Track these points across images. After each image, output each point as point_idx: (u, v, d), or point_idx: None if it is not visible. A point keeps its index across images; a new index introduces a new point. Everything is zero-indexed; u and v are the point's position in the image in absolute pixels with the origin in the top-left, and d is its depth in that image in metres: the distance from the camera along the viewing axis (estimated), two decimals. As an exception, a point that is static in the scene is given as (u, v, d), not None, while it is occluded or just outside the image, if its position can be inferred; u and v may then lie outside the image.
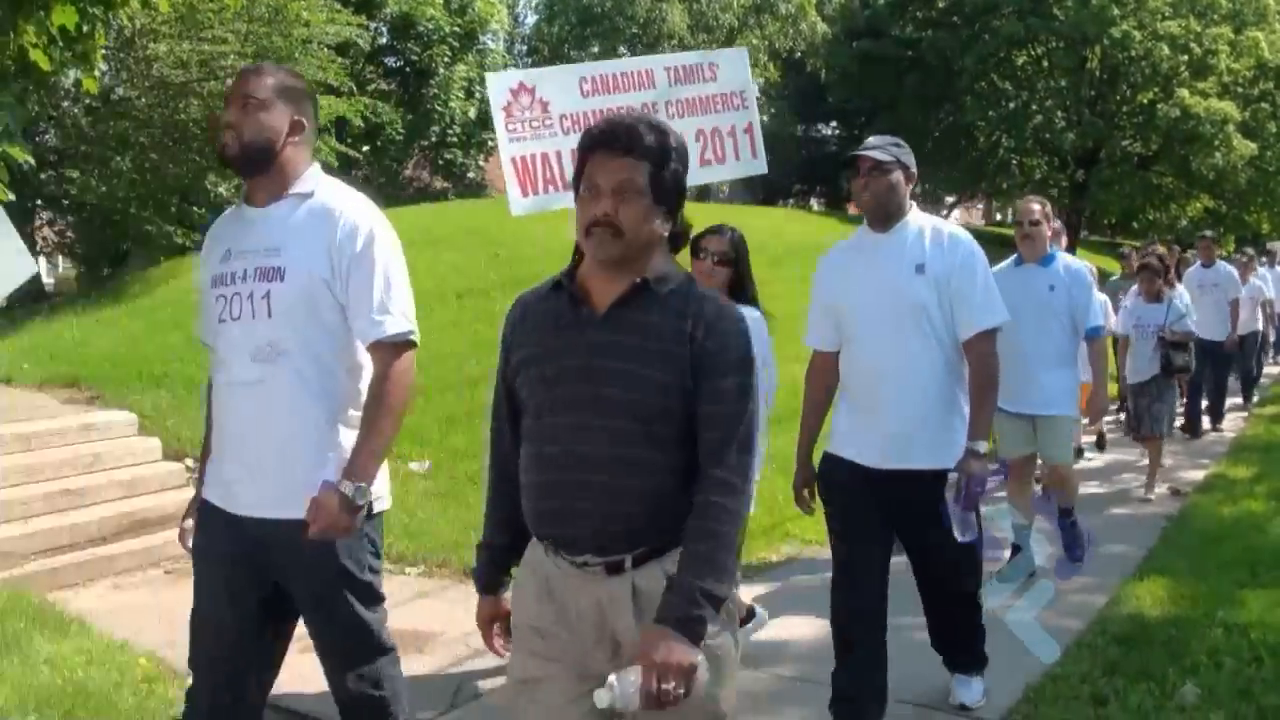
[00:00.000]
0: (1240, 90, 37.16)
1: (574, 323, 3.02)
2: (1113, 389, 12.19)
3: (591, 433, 2.94)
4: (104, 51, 10.21)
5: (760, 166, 7.24)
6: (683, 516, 2.90)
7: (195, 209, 20.63)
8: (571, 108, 6.57)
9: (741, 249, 5.96)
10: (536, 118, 6.50)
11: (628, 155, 2.92)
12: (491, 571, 3.32)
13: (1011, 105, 38.56)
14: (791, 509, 6.32)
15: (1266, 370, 19.58)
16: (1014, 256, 7.79)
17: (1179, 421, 13.01)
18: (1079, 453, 11.17)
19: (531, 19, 44.25)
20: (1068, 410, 7.68)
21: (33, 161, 7.95)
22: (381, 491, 3.91)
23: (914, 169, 5.02)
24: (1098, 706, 5.46)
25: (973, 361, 4.86)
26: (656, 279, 2.98)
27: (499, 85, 6.60)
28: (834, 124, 51.89)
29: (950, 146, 41.96)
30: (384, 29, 28.68)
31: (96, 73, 8.22)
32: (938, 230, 4.91)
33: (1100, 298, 9.79)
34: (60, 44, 6.73)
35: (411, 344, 3.80)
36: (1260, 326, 16.66)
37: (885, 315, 4.88)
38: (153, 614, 7.27)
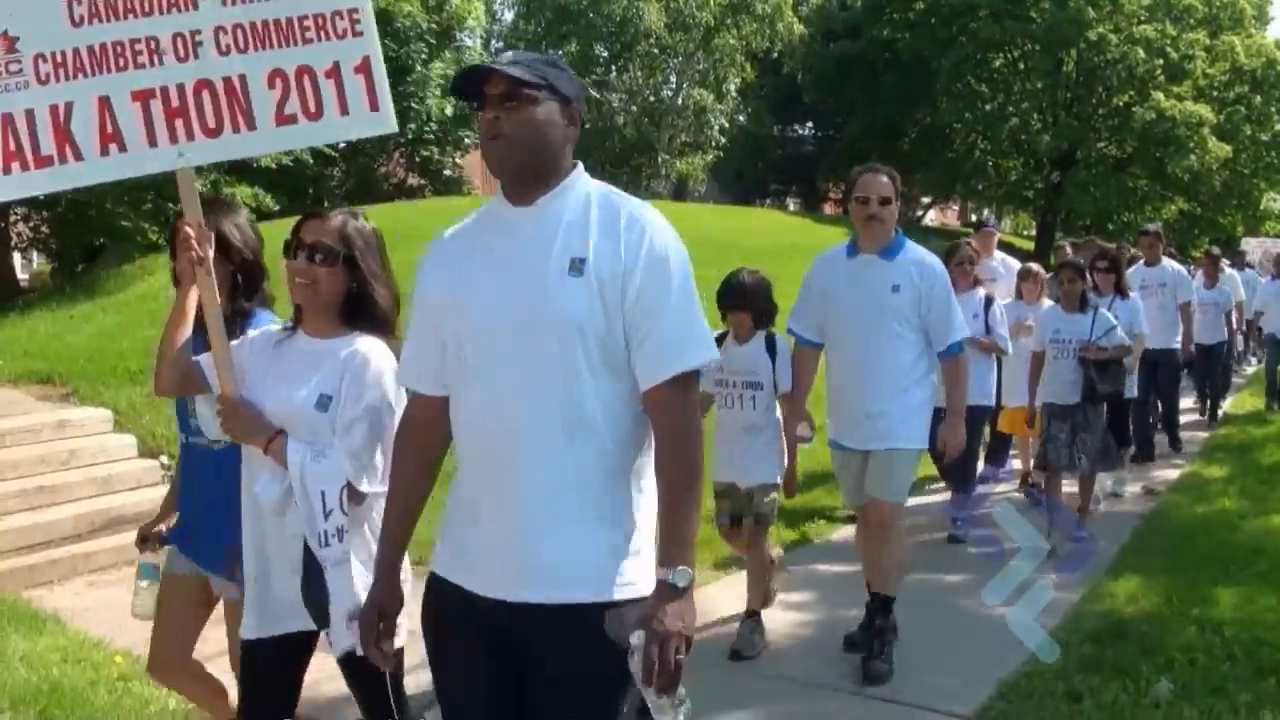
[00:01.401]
0: (1216, 94, 37.49)
1: None
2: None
3: None
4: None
5: (383, 123, 4.40)
6: None
7: (171, 204, 20.55)
8: (51, 45, 4.16)
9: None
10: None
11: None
12: None
13: (988, 107, 38.78)
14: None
15: (1236, 378, 19.15)
16: (845, 243, 6.35)
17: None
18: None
19: (509, 16, 44.20)
20: (911, 444, 6.06)
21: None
22: None
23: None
24: (1072, 703, 5.50)
25: (657, 424, 2.93)
26: None
27: None
28: (810, 124, 52.03)
29: (926, 148, 42.20)
30: (361, 25, 28.60)
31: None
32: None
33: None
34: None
35: None
36: (1226, 335, 15.45)
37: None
38: (128, 611, 7.23)
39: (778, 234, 25.25)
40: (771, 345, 6.38)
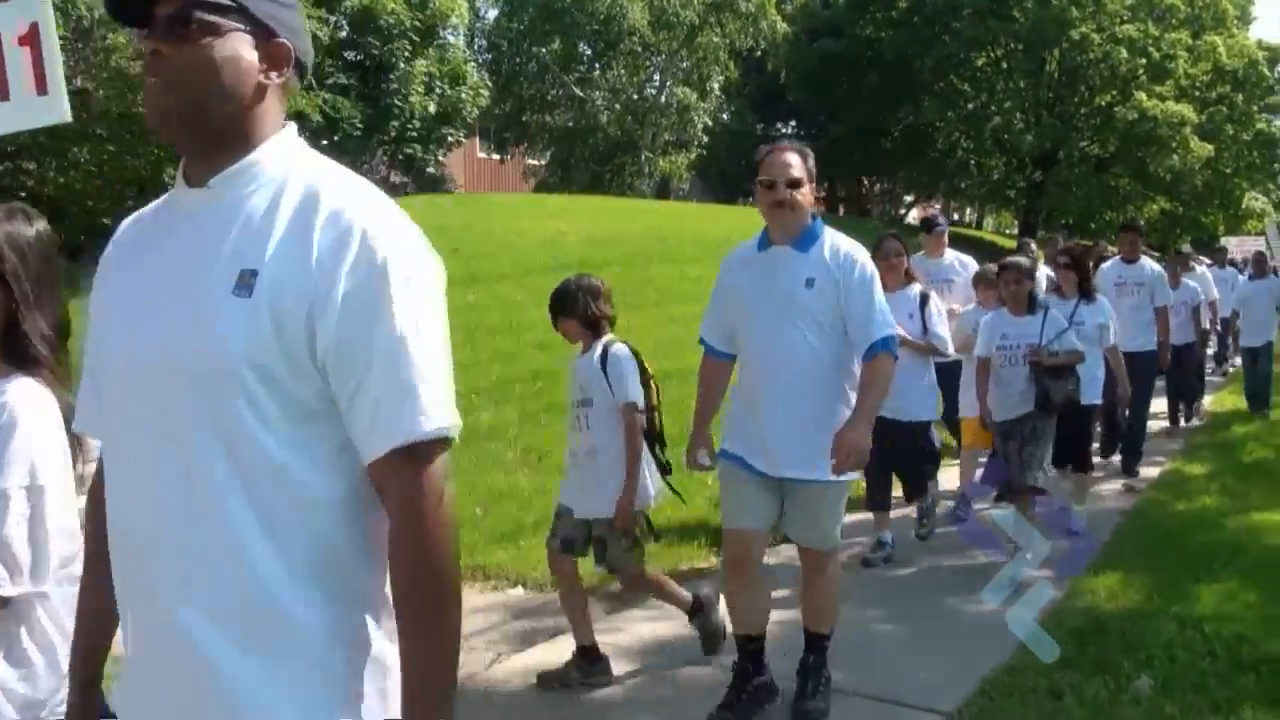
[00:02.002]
0: (1198, 94, 37.76)
1: None
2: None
3: None
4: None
5: (54, 112, 3.67)
6: None
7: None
8: None
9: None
10: None
11: None
12: None
13: (970, 106, 38.99)
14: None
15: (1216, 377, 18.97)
16: (757, 236, 5.43)
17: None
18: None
19: (492, 14, 44.16)
20: (831, 474, 4.98)
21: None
22: None
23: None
24: (1053, 700, 5.51)
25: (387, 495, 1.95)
26: None
27: None
28: (794, 122, 52.10)
29: (910, 146, 42.46)
30: (344, 23, 28.60)
31: (55, 64, 8.15)
32: None
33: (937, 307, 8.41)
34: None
35: None
36: (1194, 337, 14.21)
37: None
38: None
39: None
40: (604, 356, 5.62)
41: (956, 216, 64.31)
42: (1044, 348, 7.86)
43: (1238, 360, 18.96)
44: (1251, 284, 16.47)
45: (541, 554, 7.53)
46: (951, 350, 8.59)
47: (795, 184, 5.10)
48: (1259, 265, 16.87)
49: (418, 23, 29.33)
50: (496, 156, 46.74)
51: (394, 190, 29.91)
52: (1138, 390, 10.60)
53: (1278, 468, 11.89)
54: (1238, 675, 5.80)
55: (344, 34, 28.56)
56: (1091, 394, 8.87)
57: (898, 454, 7.96)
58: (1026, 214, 41.14)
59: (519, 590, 7.46)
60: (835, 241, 5.18)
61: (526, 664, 6.07)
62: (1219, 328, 18.82)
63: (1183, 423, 14.56)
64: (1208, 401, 16.49)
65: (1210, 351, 19.46)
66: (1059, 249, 10.86)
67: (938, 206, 63.10)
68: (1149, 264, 11.60)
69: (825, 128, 45.40)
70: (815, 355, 5.05)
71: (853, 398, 5.09)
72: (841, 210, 52.95)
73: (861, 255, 5.20)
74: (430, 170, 32.09)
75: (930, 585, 7.65)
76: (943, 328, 8.36)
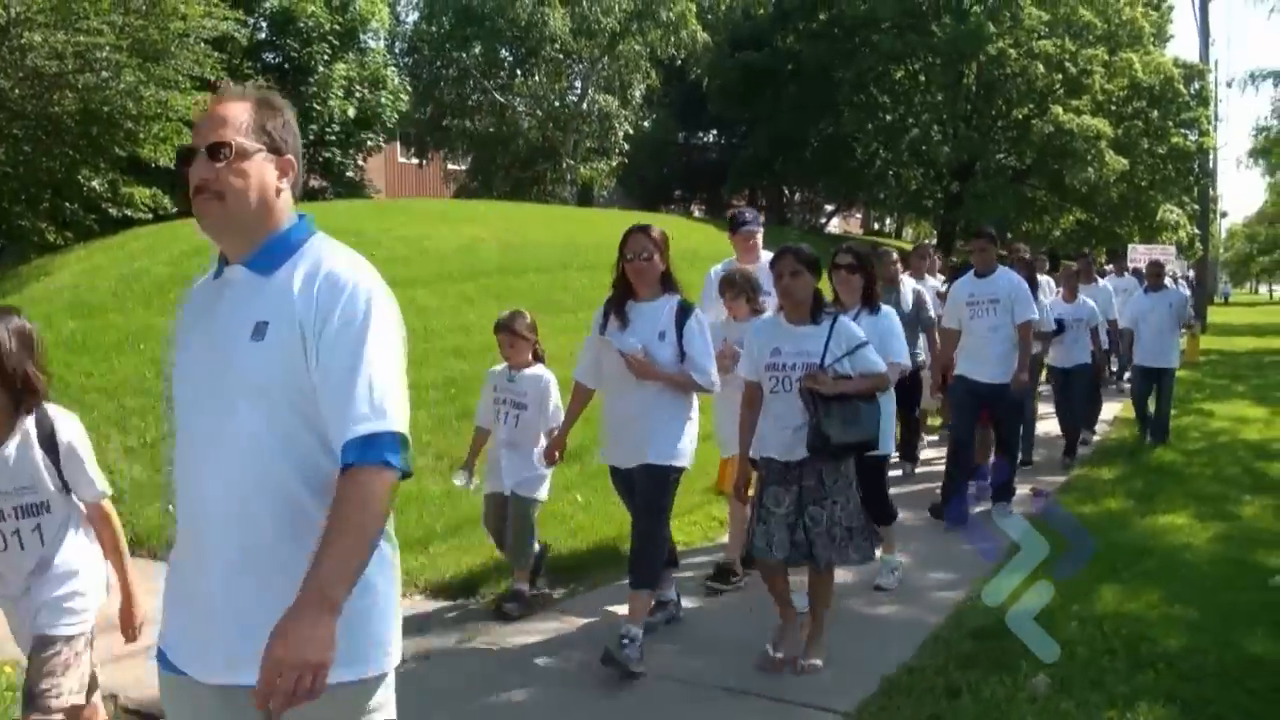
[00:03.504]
0: (1114, 108, 38.35)
1: None
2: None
3: None
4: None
5: None
6: None
7: (68, 204, 20.30)
8: None
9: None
10: None
11: None
12: None
13: (888, 118, 39.35)
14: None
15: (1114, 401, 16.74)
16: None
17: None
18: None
19: (413, 17, 44.02)
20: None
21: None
22: None
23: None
24: (950, 698, 5.59)
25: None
26: None
27: None
28: (714, 132, 52.39)
29: (829, 156, 42.76)
30: (263, 24, 28.38)
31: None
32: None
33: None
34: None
35: None
36: (1088, 359, 12.93)
37: None
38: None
39: (682, 239, 25.35)
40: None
41: (877, 225, 65.02)
42: (827, 368, 5.99)
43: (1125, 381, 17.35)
44: (1147, 298, 13.82)
45: (452, 560, 7.67)
46: (715, 385, 6.46)
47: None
48: (1154, 276, 14.12)
49: (337, 26, 29.17)
50: (417, 161, 46.52)
51: (312, 195, 29.75)
52: (1007, 418, 9.95)
53: (1185, 471, 12.15)
54: (1136, 672, 5.93)
55: (263, 35, 28.34)
56: (889, 438, 7.59)
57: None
58: (944, 224, 41.63)
59: (424, 597, 7.48)
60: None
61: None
62: (1116, 349, 17.04)
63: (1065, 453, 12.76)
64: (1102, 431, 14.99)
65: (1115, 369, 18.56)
66: (843, 246, 8.29)
67: (859, 215, 63.89)
68: (1006, 275, 9.90)
69: (746, 137, 45.71)
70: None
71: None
72: (762, 219, 53.21)
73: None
74: (349, 175, 31.92)
75: (839, 590, 7.72)
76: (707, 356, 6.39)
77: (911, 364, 9.41)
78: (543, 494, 7.32)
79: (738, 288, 7.67)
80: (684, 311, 6.27)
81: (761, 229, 8.62)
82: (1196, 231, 41.01)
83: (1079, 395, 13.08)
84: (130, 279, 15.07)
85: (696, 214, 48.01)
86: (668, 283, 6.35)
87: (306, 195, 29.53)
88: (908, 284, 10.99)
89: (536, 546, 7.39)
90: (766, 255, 7.79)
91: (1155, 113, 38.72)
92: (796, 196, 56.53)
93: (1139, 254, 27.72)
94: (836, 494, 6.02)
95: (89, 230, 20.85)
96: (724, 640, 6.55)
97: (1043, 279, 14.71)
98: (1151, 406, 13.59)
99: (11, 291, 15.53)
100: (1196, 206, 41.65)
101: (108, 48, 17.15)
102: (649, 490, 6.24)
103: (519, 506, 7.17)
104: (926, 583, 7.85)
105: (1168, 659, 6.10)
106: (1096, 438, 14.29)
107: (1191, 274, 38.31)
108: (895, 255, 11.22)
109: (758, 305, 7.59)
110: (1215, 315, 42.39)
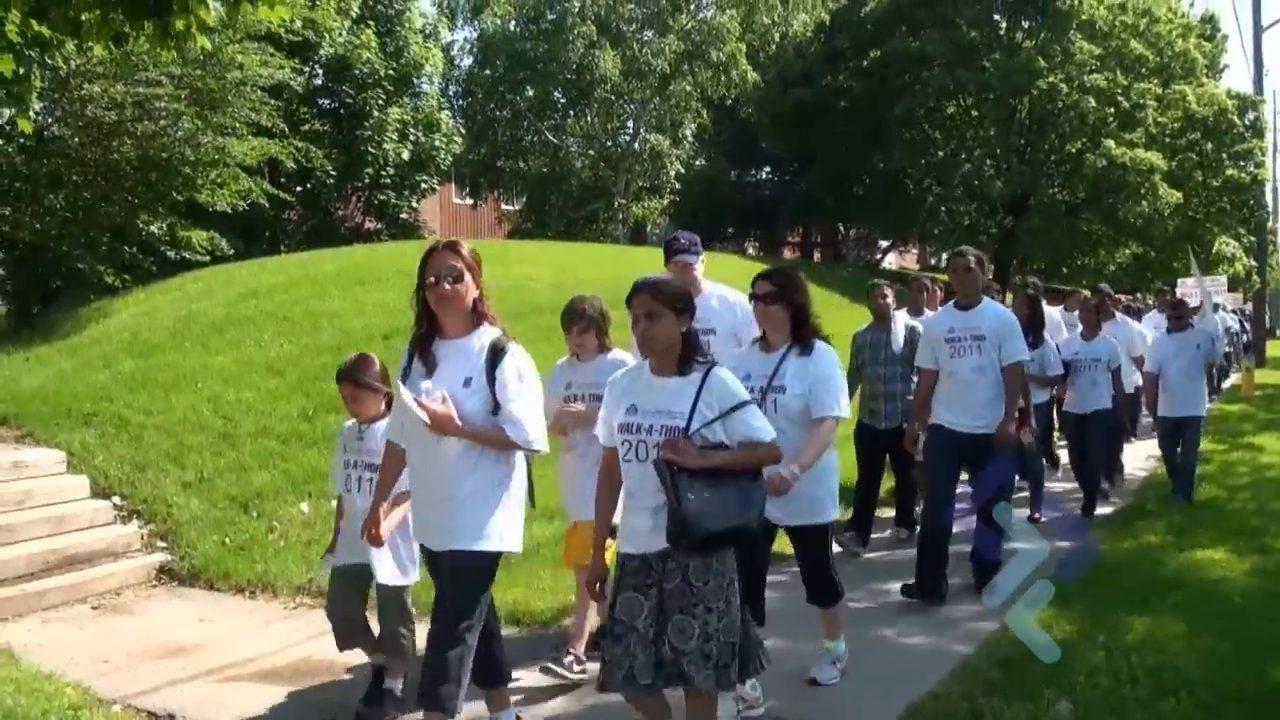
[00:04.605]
0: (1168, 140, 38.11)
1: None
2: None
3: None
4: (40, 92, 10.39)
5: None
6: None
7: (126, 248, 20.74)
8: None
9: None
10: None
11: None
12: None
13: (940, 154, 39.23)
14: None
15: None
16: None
17: None
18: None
19: (467, 62, 44.50)
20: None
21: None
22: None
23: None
24: (974, 722, 5.73)
25: None
26: None
27: None
28: (767, 169, 52.54)
29: (882, 192, 42.76)
30: (319, 71, 28.88)
31: (31, 113, 8.41)
32: None
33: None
34: (-8, 85, 6.59)
35: None
36: (1108, 403, 11.69)
37: None
38: (81, 647, 7.46)
39: (736, 278, 25.48)
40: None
41: (934, 261, 64.84)
42: (693, 433, 4.60)
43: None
44: (1171, 340, 12.17)
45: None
46: (535, 442, 5.09)
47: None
48: (1176, 317, 12.40)
49: (392, 72, 29.64)
50: (471, 202, 46.97)
51: (367, 237, 30.17)
52: (982, 485, 8.25)
53: (1228, 507, 11.99)
54: (1158, 700, 5.99)
55: (319, 82, 28.84)
56: (832, 499, 6.26)
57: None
58: (999, 259, 41.55)
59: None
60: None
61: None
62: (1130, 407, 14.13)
63: (1102, 500, 11.96)
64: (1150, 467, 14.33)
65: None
66: (762, 273, 6.34)
67: (915, 251, 63.66)
68: (993, 308, 8.44)
69: (799, 174, 45.85)
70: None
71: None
72: (817, 256, 53.28)
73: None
74: (404, 216, 32.30)
75: (865, 616, 7.81)
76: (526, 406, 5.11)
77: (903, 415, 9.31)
78: (412, 576, 6.10)
79: (586, 320, 6.54)
80: (496, 352, 5.03)
81: (699, 257, 7.31)
82: (1253, 264, 40.66)
83: (1095, 444, 11.76)
84: (188, 320, 15.36)
85: (750, 251, 48.11)
86: (480, 314, 5.15)
87: (361, 237, 30.01)
88: (901, 320, 10.27)
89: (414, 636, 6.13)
90: (712, 286, 7.34)
91: (1209, 145, 38.41)
92: (851, 233, 56.55)
93: (1188, 286, 26.55)
94: (710, 598, 4.57)
95: (148, 273, 21.28)
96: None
97: (1054, 314, 13.93)
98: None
99: (72, 333, 15.88)
100: (1253, 239, 41.33)
101: (166, 97, 17.54)
102: (454, 582, 5.02)
103: (385, 593, 6.04)
104: (960, 614, 7.94)
105: (1189, 686, 6.15)
106: (1126, 483, 13.35)
107: (1248, 307, 37.98)
108: (887, 289, 10.42)
109: (607, 343, 6.62)
110: (1273, 349, 41.96)
